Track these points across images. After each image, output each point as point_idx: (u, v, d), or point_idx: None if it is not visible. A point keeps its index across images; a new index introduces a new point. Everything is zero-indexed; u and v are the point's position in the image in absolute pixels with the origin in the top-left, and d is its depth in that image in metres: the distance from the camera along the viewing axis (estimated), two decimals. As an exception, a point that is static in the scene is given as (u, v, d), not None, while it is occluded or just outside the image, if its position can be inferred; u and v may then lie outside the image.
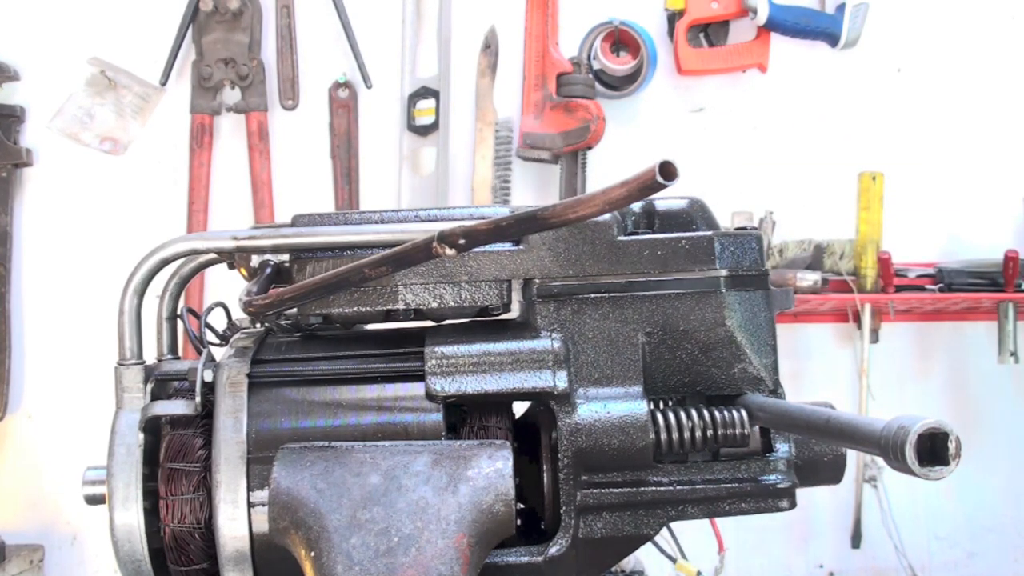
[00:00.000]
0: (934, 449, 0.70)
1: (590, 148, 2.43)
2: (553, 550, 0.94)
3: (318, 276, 0.93)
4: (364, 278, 0.91)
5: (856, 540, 2.59)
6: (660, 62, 2.52)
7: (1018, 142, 2.63)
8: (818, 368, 2.64)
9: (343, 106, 2.59)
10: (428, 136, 2.55)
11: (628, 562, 1.44)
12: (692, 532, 1.41)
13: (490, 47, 2.56)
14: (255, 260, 1.00)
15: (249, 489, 0.91)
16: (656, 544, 1.44)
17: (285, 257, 1.00)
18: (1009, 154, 2.63)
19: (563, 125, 2.41)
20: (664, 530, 1.01)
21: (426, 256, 0.86)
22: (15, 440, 2.60)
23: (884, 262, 2.44)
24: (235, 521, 0.90)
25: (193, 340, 1.12)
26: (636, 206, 1.03)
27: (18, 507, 2.61)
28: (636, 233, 1.00)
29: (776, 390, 1.00)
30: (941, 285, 2.47)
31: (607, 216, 0.97)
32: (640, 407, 0.94)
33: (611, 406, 0.94)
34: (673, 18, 2.51)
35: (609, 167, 2.55)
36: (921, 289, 2.48)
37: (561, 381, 0.94)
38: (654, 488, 0.95)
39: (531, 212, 0.81)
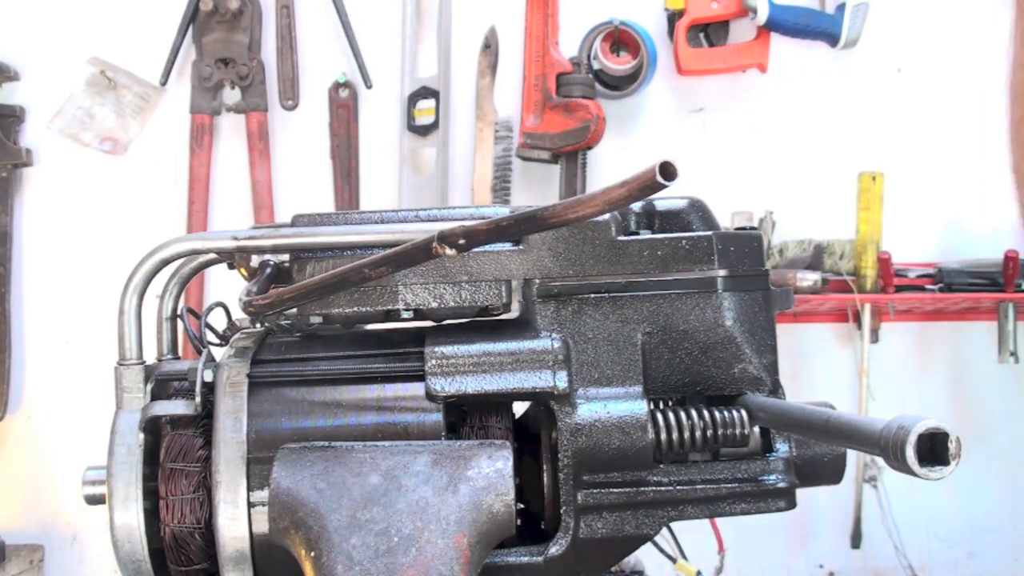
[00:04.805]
0: (934, 449, 0.70)
1: (590, 148, 2.43)
2: (553, 550, 0.94)
3: (318, 276, 0.93)
4: (364, 278, 0.91)
5: (856, 540, 2.59)
6: (660, 62, 2.52)
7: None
8: (818, 368, 2.64)
9: (343, 106, 2.59)
10: (428, 136, 2.55)
11: (628, 562, 1.44)
12: (692, 532, 1.41)
13: (490, 47, 2.56)
14: (255, 260, 1.00)
15: (249, 489, 0.91)
16: (656, 544, 1.44)
17: (285, 257, 1.00)
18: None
19: (563, 125, 2.41)
20: (664, 530, 1.02)
21: (426, 256, 0.86)
22: (15, 440, 2.60)
23: (884, 262, 2.43)
24: (235, 521, 0.90)
25: (193, 340, 1.12)
26: (636, 206, 1.03)
27: (18, 507, 2.61)
28: (636, 233, 1.00)
29: (776, 390, 1.00)
30: (941, 285, 2.46)
31: (607, 216, 0.97)
32: (640, 407, 0.94)
33: (611, 406, 0.94)
34: (673, 18, 2.51)
35: (609, 167, 2.55)
36: (921, 289, 2.47)
37: (561, 381, 0.94)
38: (654, 488, 0.95)
39: (531, 212, 0.81)
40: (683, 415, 0.95)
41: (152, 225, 2.56)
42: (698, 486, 0.96)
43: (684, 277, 0.97)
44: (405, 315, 0.99)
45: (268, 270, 1.00)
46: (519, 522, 0.91)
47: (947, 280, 2.46)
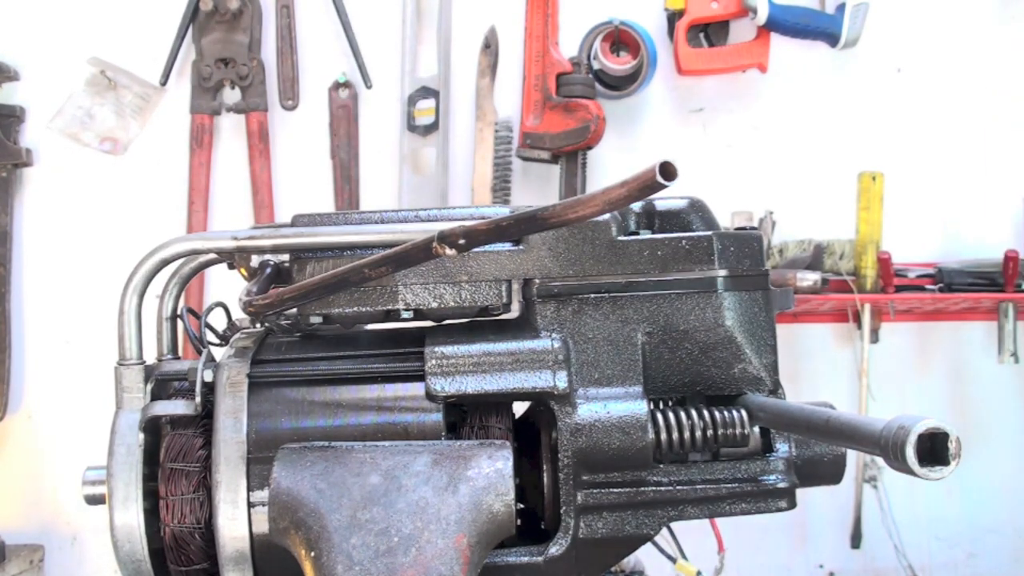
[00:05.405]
0: (934, 449, 0.70)
1: (590, 148, 2.42)
2: (553, 550, 0.94)
3: (318, 276, 0.93)
4: (364, 278, 0.91)
5: (856, 540, 2.59)
6: (660, 62, 2.52)
7: (1018, 142, 2.63)
8: (818, 368, 2.64)
9: (343, 106, 2.59)
10: (428, 136, 2.55)
11: (628, 562, 1.44)
12: (692, 532, 1.41)
13: (490, 47, 2.55)
14: (255, 260, 1.00)
15: (249, 489, 0.91)
16: (656, 544, 1.44)
17: (285, 257, 1.00)
18: (1009, 154, 2.63)
19: (563, 125, 2.41)
20: (664, 530, 1.02)
21: (426, 256, 0.86)
22: (15, 440, 2.60)
23: (884, 262, 2.43)
24: (235, 521, 0.90)
25: (193, 340, 1.12)
26: (636, 206, 1.03)
27: (18, 507, 2.61)
28: (636, 233, 1.00)
29: (776, 390, 1.00)
30: (941, 285, 2.46)
31: (607, 216, 0.97)
32: (640, 407, 0.94)
33: (611, 406, 0.94)
34: (673, 18, 2.51)
35: (609, 167, 2.55)
36: (921, 289, 2.47)
37: (561, 381, 0.94)
38: (654, 488, 0.95)
39: (531, 212, 0.81)
40: (683, 415, 0.95)
41: (152, 225, 2.55)
42: (698, 486, 0.96)
43: (684, 277, 0.97)
44: (405, 315, 0.99)
45: (268, 270, 1.00)
46: (519, 522, 0.91)
47: (947, 280, 2.46)
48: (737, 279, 0.98)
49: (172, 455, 0.95)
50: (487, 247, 0.96)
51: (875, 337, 2.54)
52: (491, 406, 0.97)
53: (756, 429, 0.98)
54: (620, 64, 2.50)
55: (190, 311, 1.13)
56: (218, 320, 1.18)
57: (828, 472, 1.03)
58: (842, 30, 2.46)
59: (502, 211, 0.97)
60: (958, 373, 2.67)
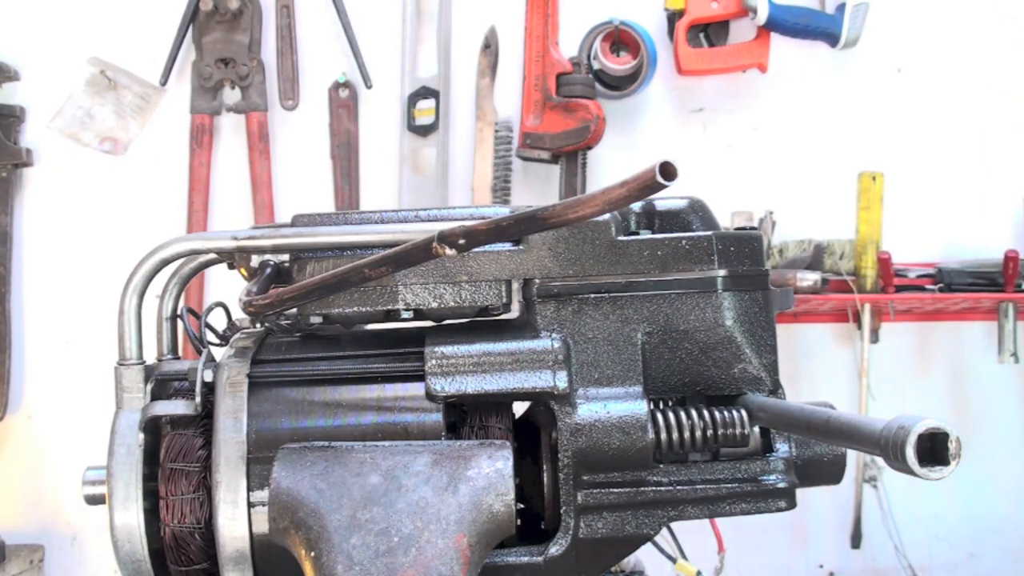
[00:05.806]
0: (934, 449, 0.70)
1: (590, 148, 2.43)
2: (553, 550, 0.94)
3: (318, 276, 0.93)
4: (364, 278, 0.91)
5: (856, 540, 2.59)
6: (660, 62, 2.52)
7: (1018, 142, 2.63)
8: (818, 368, 2.64)
9: (343, 106, 2.59)
10: (428, 136, 2.55)
11: (628, 562, 1.44)
12: (692, 532, 1.41)
13: (490, 47, 2.55)
14: (255, 260, 1.00)
15: (249, 489, 0.91)
16: (656, 544, 1.44)
17: (285, 257, 1.00)
18: (1009, 154, 2.63)
19: (563, 125, 2.41)
20: (664, 530, 1.02)
21: (426, 256, 0.86)
22: (15, 440, 2.60)
23: (884, 262, 2.43)
24: (235, 521, 0.90)
25: (193, 340, 1.12)
26: (636, 206, 1.03)
27: (18, 507, 2.61)
28: (636, 233, 1.00)
29: (776, 390, 1.00)
30: (941, 285, 2.46)
31: (607, 216, 0.97)
32: (640, 407, 0.94)
33: (611, 406, 0.94)
34: (673, 18, 2.51)
35: (609, 167, 2.55)
36: (921, 289, 2.47)
37: (561, 381, 0.94)
38: (654, 488, 0.95)
39: (531, 212, 0.81)
40: (683, 415, 0.95)
41: (152, 225, 2.56)
42: (698, 486, 0.96)
43: (684, 277, 0.98)
44: (405, 315, 0.99)
45: (268, 270, 1.00)
46: (519, 522, 0.91)
47: (947, 280, 2.46)
48: (737, 279, 0.98)
49: (172, 455, 0.95)
50: (487, 247, 0.96)
51: (875, 337, 2.54)
52: (491, 406, 0.97)
53: (756, 429, 0.98)
54: (620, 64, 2.50)
55: (190, 311, 1.13)
56: (218, 320, 1.18)
57: (828, 472, 1.03)
58: (842, 30, 2.46)
59: (502, 211, 0.97)
60: (958, 373, 2.67)
